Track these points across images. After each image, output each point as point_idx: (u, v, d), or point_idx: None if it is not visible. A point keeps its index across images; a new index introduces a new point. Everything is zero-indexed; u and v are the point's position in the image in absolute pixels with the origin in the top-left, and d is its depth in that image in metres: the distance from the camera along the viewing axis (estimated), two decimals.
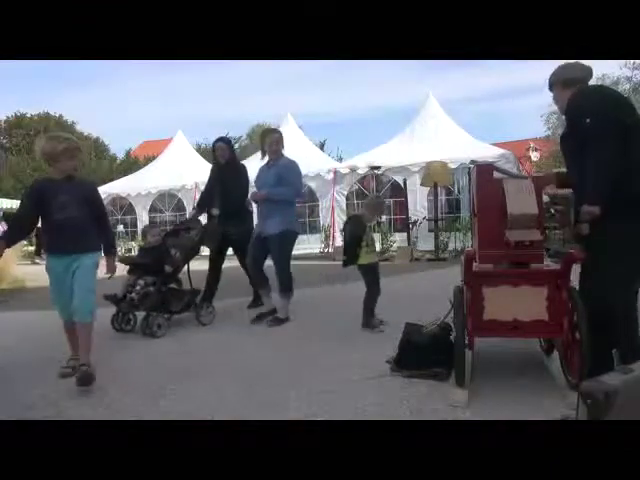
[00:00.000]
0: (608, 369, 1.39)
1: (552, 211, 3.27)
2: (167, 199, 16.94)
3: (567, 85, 2.81)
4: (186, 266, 5.13)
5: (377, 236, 9.33)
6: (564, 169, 3.01)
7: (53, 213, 3.30)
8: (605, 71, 20.17)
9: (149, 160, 22.40)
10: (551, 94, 2.99)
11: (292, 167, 4.94)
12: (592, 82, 2.92)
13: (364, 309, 4.54)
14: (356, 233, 4.58)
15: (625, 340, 2.58)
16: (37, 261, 13.34)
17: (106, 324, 5.32)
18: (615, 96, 2.84)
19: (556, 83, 2.88)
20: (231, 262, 5.85)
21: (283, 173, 4.81)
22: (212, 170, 5.81)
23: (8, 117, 33.27)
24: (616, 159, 2.45)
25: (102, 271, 3.57)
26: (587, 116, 2.54)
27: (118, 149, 46.74)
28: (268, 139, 4.95)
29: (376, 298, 4.56)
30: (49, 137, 3.47)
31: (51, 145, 3.34)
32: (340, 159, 22.62)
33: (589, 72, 2.86)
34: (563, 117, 2.91)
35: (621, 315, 2.57)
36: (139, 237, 16.91)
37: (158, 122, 63.87)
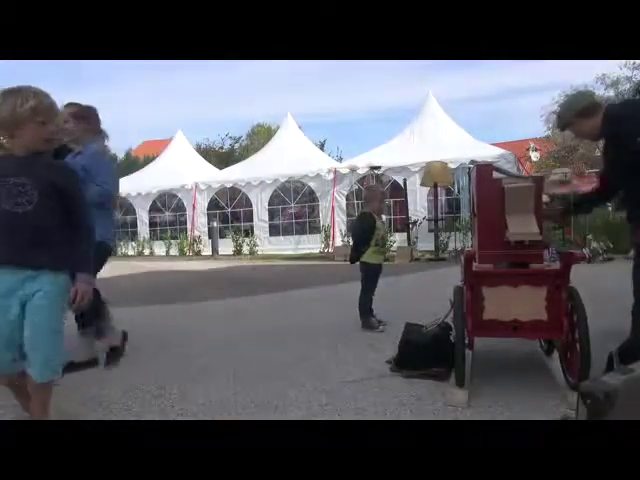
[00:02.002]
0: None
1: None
2: (167, 199, 16.97)
3: (589, 113, 2.76)
4: None
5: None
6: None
7: (0, 202, 2.17)
8: (605, 71, 20.23)
9: (149, 160, 22.40)
10: (563, 132, 2.95)
11: (98, 157, 3.59)
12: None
13: (360, 309, 4.54)
14: (363, 229, 4.59)
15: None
16: None
17: None
18: None
19: (576, 117, 2.81)
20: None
21: (87, 165, 3.43)
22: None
23: None
24: None
25: None
26: (637, 135, 2.51)
27: (118, 149, 46.68)
28: (62, 115, 3.28)
29: (371, 298, 4.57)
30: (6, 92, 2.17)
31: (11, 104, 2.12)
32: (340, 159, 22.64)
33: (593, 94, 2.88)
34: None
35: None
36: (139, 237, 16.97)
37: (158, 122, 63.94)
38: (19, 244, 2.19)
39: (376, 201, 4.73)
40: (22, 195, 2.17)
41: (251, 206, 15.51)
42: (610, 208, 10.13)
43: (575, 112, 2.81)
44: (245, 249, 14.92)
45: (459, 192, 12.84)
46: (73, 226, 2.33)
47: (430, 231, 12.17)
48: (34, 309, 2.21)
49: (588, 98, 2.85)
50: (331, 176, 14.08)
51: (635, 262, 2.68)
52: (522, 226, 2.76)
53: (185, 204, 16.45)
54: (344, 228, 13.59)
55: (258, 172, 15.14)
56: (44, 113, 2.18)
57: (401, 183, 12.96)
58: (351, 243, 5.06)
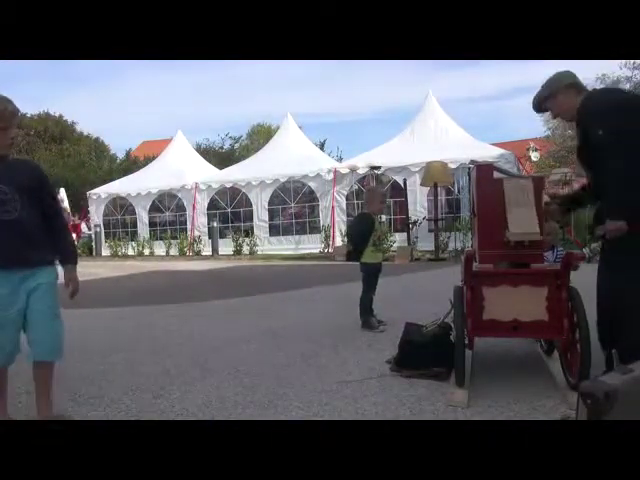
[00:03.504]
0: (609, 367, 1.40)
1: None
2: (167, 199, 16.95)
3: (575, 90, 2.74)
4: None
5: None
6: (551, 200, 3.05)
7: None
8: (605, 71, 20.22)
9: (149, 160, 22.39)
10: (540, 111, 2.91)
11: None
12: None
13: (360, 309, 4.55)
14: (362, 230, 4.60)
15: (629, 339, 2.58)
16: None
17: (104, 324, 5.33)
18: (627, 100, 2.78)
19: (563, 89, 2.77)
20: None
21: None
22: None
23: None
24: (633, 170, 2.40)
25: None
26: (599, 127, 2.48)
27: (118, 149, 46.73)
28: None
29: (371, 298, 4.57)
30: None
31: None
32: (340, 159, 22.63)
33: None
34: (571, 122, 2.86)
35: (635, 315, 2.55)
36: (139, 237, 16.97)
37: (158, 122, 63.82)
38: (13, 249, 2.32)
39: (376, 202, 4.76)
40: (7, 203, 2.29)
41: (251, 206, 15.50)
42: None
43: (564, 85, 2.76)
44: (245, 249, 14.91)
45: (459, 192, 12.84)
46: (51, 218, 2.49)
47: (430, 231, 12.16)
48: (39, 300, 2.40)
49: (573, 76, 2.79)
50: (331, 176, 14.07)
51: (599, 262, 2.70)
52: (522, 224, 2.75)
53: (185, 204, 16.43)
54: (344, 228, 13.56)
55: (258, 172, 15.13)
56: (6, 119, 2.27)
57: (401, 183, 12.95)
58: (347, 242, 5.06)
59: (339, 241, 13.49)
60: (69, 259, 2.57)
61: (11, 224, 2.30)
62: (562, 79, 2.79)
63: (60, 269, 2.59)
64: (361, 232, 4.65)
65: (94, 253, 16.90)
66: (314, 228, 14.90)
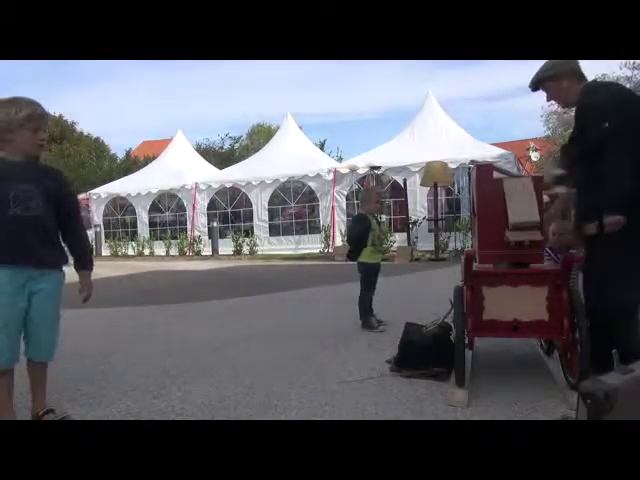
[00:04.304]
0: (608, 369, 1.39)
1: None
2: (167, 199, 16.96)
3: (575, 74, 2.71)
4: None
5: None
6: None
7: (9, 207, 2.33)
8: (605, 71, 20.22)
9: (149, 160, 22.38)
10: (535, 90, 2.85)
11: None
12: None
13: (360, 309, 4.55)
14: (358, 232, 4.62)
15: (626, 340, 2.58)
16: None
17: (104, 323, 5.33)
18: (631, 95, 2.76)
19: (564, 73, 2.72)
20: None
21: None
22: None
23: None
24: (636, 165, 2.39)
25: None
26: (605, 119, 2.46)
27: (118, 149, 46.73)
28: None
29: (371, 298, 4.58)
30: (2, 102, 2.39)
31: (6, 112, 2.33)
32: (340, 159, 22.63)
33: None
34: (564, 115, 2.86)
35: (625, 314, 2.55)
36: (139, 237, 16.98)
37: (158, 122, 63.92)
38: (31, 246, 2.38)
39: (372, 202, 4.77)
40: (30, 200, 2.37)
41: (251, 206, 15.51)
42: None
43: (570, 69, 2.72)
44: (245, 249, 14.92)
45: (459, 192, 12.85)
46: (72, 225, 2.59)
47: (430, 231, 12.17)
48: (44, 303, 2.46)
49: (580, 65, 2.76)
50: (331, 176, 14.08)
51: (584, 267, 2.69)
52: (522, 212, 2.74)
53: (185, 204, 16.45)
54: (344, 228, 13.57)
55: (258, 172, 15.14)
56: (35, 121, 2.39)
57: (401, 183, 12.96)
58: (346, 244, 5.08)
59: (339, 241, 13.50)
60: (86, 265, 2.67)
61: (29, 221, 2.36)
62: (568, 64, 2.74)
63: (66, 271, 2.61)
64: (358, 232, 4.67)
65: (94, 253, 16.89)
66: (314, 228, 14.91)
